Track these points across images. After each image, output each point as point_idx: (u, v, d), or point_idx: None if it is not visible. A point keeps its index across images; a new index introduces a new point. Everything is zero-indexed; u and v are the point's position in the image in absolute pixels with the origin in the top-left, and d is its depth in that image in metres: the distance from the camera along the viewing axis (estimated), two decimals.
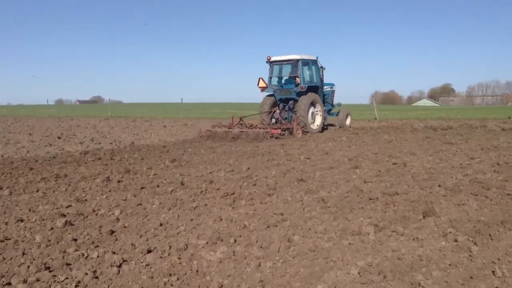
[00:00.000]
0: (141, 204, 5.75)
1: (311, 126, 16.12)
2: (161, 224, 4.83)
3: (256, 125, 15.99)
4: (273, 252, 3.90)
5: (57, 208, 5.56)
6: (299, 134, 14.91)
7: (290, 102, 16.70)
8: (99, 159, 9.93)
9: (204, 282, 3.36)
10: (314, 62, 17.10)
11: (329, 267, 3.54)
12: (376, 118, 24.75)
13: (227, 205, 5.63)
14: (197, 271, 3.55)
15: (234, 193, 6.20)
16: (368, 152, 10.05)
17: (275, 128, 14.76)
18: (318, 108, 16.68)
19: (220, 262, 3.70)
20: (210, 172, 7.97)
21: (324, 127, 17.57)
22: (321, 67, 17.38)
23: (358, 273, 3.38)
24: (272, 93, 17.13)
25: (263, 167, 8.42)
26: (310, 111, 16.14)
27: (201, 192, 6.35)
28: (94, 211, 5.44)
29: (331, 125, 19.39)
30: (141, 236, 4.46)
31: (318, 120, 16.74)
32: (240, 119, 16.08)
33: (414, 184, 6.46)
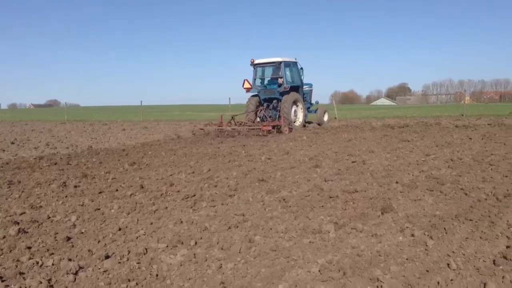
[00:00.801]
0: (99, 209, 5.59)
1: (294, 123, 17.20)
2: (119, 229, 4.72)
3: (246, 123, 16.70)
4: (234, 253, 3.87)
5: (10, 216, 5.34)
6: (286, 130, 15.62)
7: (273, 101, 17.69)
8: (55, 164, 9.61)
9: (164, 286, 3.30)
10: (295, 63, 18.17)
11: (290, 266, 3.55)
12: (336, 118, 25.15)
13: (187, 207, 5.57)
14: (157, 275, 3.48)
15: (195, 195, 6.13)
16: (328, 151, 10.20)
17: (265, 125, 15.28)
18: (300, 106, 17.75)
19: (181, 265, 3.64)
20: (171, 175, 7.86)
21: (304, 124, 18.55)
22: (301, 68, 18.39)
23: (319, 270, 3.41)
24: (256, 93, 18.05)
25: (224, 168, 8.39)
26: (293, 109, 17.15)
27: (161, 195, 6.25)
28: (49, 217, 5.25)
29: (309, 122, 20.03)
30: (98, 241, 4.34)
31: (300, 117, 17.82)
32: (232, 117, 16.92)
33: (372, 181, 6.59)
